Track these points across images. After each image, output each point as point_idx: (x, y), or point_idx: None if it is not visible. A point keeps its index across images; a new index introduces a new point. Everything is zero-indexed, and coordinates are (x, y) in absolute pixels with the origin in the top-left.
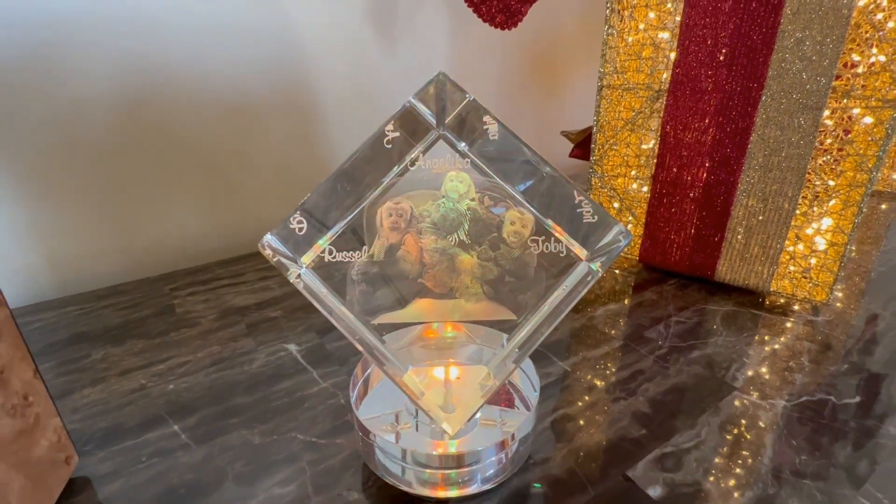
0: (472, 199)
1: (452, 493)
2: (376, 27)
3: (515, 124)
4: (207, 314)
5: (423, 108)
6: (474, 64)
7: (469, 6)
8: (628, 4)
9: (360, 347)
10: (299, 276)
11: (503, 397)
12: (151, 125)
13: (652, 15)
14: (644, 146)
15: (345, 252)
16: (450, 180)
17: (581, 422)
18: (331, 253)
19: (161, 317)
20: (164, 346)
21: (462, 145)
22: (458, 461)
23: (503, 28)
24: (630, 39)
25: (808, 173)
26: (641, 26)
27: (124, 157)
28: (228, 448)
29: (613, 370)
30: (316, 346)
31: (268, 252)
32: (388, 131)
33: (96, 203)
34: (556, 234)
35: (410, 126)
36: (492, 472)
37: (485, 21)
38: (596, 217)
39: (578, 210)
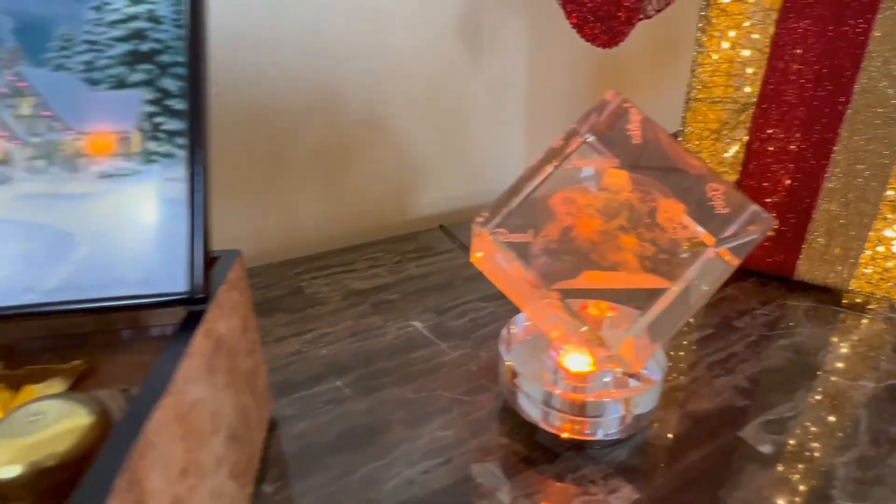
0: (629, 191)
1: (585, 435)
2: (464, 39)
3: None
4: (333, 295)
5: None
6: (548, 75)
7: (573, 26)
8: (718, 25)
9: (543, 307)
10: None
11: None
12: (279, 131)
13: (735, 34)
14: (726, 154)
15: (518, 234)
16: (609, 176)
17: (688, 392)
18: (503, 234)
19: (294, 296)
20: (305, 319)
21: (613, 148)
22: (592, 409)
23: (605, 47)
24: (716, 57)
25: (891, 179)
26: (726, 45)
27: (257, 160)
28: (387, 400)
29: (710, 352)
30: (437, 323)
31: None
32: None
33: (236, 200)
34: (692, 222)
35: (572, 133)
36: (618, 426)
37: (587, 40)
38: (728, 208)
39: (711, 202)
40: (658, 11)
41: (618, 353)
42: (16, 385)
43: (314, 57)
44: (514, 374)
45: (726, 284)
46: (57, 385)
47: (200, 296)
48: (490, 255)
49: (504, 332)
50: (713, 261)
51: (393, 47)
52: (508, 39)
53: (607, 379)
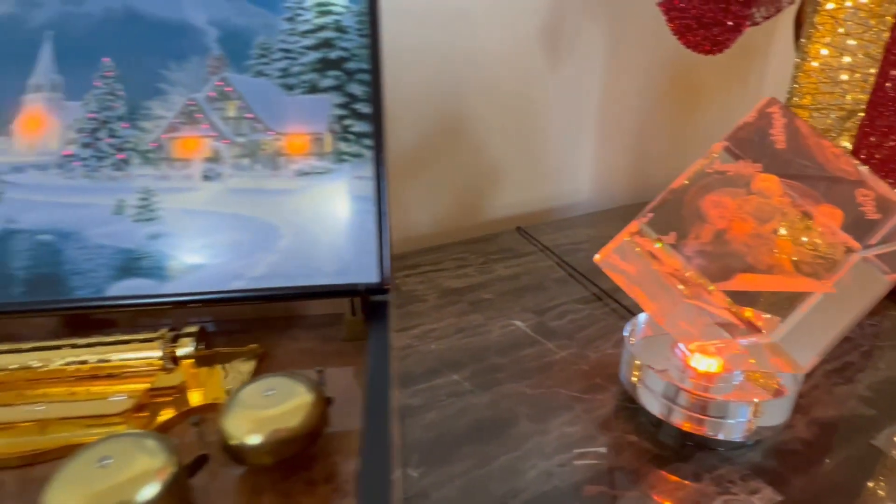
0: (781, 196)
1: (714, 436)
2: (544, 45)
3: (656, 135)
4: (429, 293)
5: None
6: (622, 81)
7: (673, 33)
8: (824, 32)
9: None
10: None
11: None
12: None
13: (839, 41)
14: None
15: (664, 236)
16: (760, 181)
17: (811, 399)
18: (643, 235)
19: (394, 292)
20: (409, 315)
21: (754, 153)
22: (722, 410)
23: (707, 54)
24: (817, 64)
25: None
26: (825, 51)
27: None
28: (507, 395)
29: (824, 361)
30: (538, 323)
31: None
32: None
33: None
34: (838, 229)
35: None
36: (747, 429)
37: (688, 47)
38: (879, 213)
39: (861, 207)
40: (766, 18)
41: (791, 356)
42: (208, 364)
43: (403, 61)
44: (641, 371)
45: None
46: (243, 365)
47: (387, 287)
48: (632, 255)
49: (627, 330)
50: (862, 267)
51: (477, 53)
52: (585, 46)
53: (737, 381)
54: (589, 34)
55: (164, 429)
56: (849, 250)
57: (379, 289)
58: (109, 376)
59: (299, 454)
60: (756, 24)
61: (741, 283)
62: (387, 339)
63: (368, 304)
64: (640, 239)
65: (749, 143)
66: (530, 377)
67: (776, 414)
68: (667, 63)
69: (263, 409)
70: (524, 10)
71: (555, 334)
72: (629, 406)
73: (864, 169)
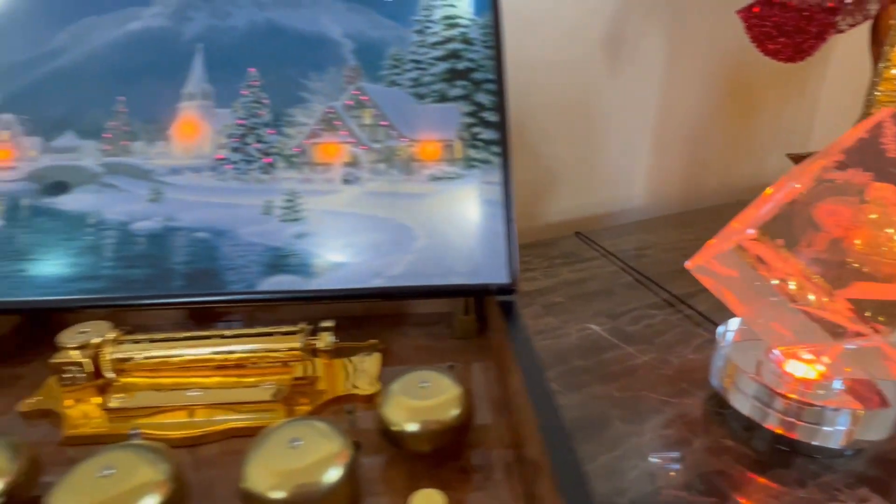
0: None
1: (814, 443)
2: (605, 52)
3: (712, 143)
4: None
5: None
6: (680, 88)
7: (752, 41)
8: None
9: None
10: None
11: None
12: None
13: None
14: None
15: (775, 243)
16: (875, 189)
17: None
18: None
19: None
20: None
21: (866, 162)
22: (822, 417)
23: (788, 62)
24: None
25: None
26: None
27: None
28: (596, 397)
29: None
30: (614, 327)
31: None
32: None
33: None
34: None
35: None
36: (846, 438)
37: (767, 55)
38: None
39: None
40: (852, 26)
41: None
42: (336, 356)
43: None
44: (734, 375)
45: None
46: (368, 359)
47: (515, 287)
48: (735, 260)
49: (720, 335)
50: None
51: (539, 60)
52: (644, 53)
53: (836, 388)
54: (649, 42)
55: (309, 416)
56: None
57: (509, 289)
58: (245, 366)
59: (453, 443)
60: (841, 31)
61: (859, 291)
62: (527, 334)
63: (481, 303)
64: (753, 244)
65: (860, 151)
66: (616, 380)
67: (880, 424)
68: (724, 70)
69: (421, 399)
70: (587, 18)
71: (633, 339)
72: (720, 411)
73: None
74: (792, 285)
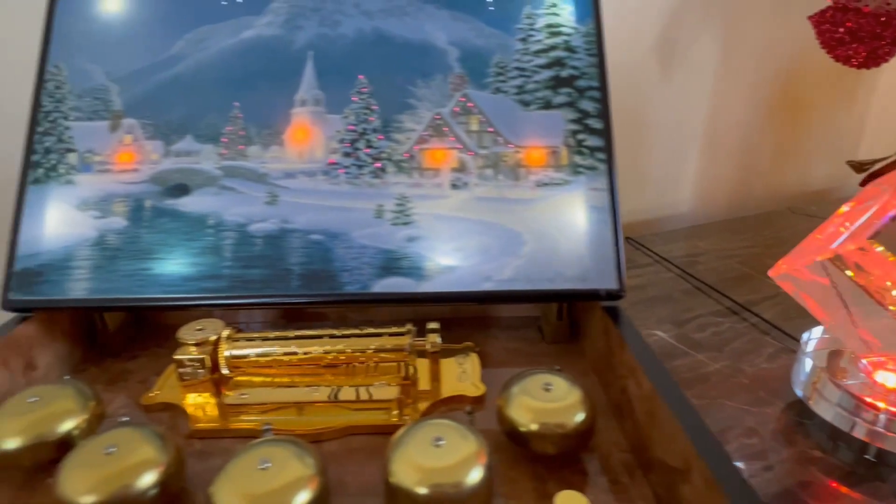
0: None
1: None
2: (658, 57)
3: (761, 149)
4: None
5: None
6: (730, 96)
7: (822, 46)
8: None
9: None
10: None
11: None
12: None
13: None
14: None
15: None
16: None
17: None
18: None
19: None
20: None
21: None
22: None
23: (860, 68)
24: None
25: None
26: None
27: None
28: None
29: None
30: (680, 334)
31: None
32: None
33: None
34: None
35: None
36: None
37: (838, 61)
38: None
39: None
40: None
41: None
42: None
43: None
44: (820, 384)
45: None
46: (467, 360)
47: (623, 293)
48: (832, 268)
49: (803, 342)
50: None
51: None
52: (696, 59)
53: None
54: (700, 49)
55: (423, 416)
56: None
57: (617, 294)
58: (354, 365)
59: (578, 447)
60: None
61: None
62: (642, 338)
63: (570, 308)
64: (855, 253)
65: None
66: (691, 387)
67: None
68: (775, 77)
69: (538, 400)
70: (640, 24)
71: (702, 346)
72: (802, 421)
73: None
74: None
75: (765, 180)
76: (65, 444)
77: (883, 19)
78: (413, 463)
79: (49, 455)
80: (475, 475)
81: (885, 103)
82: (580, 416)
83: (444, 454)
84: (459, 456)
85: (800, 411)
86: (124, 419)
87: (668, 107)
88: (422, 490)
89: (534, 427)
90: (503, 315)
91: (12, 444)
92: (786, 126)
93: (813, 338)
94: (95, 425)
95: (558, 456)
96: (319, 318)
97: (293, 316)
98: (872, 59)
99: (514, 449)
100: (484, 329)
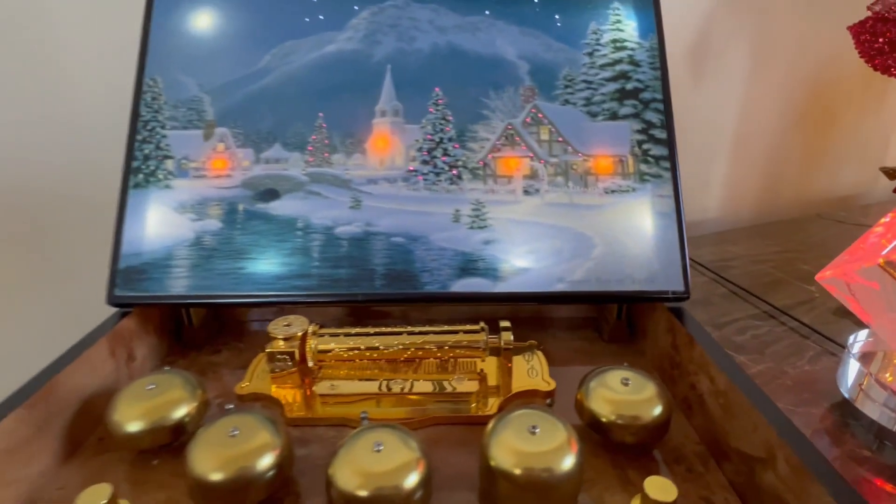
0: None
1: None
2: (691, 64)
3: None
4: None
5: None
6: (761, 101)
7: (862, 57)
8: None
9: None
10: None
11: None
12: None
13: None
14: None
15: None
16: None
17: None
18: None
19: None
20: None
21: None
22: None
23: None
24: None
25: None
26: None
27: None
28: None
29: None
30: (721, 336)
31: None
32: None
33: None
34: None
35: None
36: None
37: (877, 70)
38: None
39: None
40: None
41: None
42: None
43: None
44: (868, 384)
45: None
46: (533, 358)
47: (688, 294)
48: (881, 272)
49: (849, 345)
50: None
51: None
52: (727, 67)
53: None
54: (731, 56)
55: (499, 409)
56: None
57: (682, 296)
58: (430, 360)
59: (656, 438)
60: None
61: None
62: (711, 336)
63: (630, 309)
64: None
65: None
66: None
67: None
68: (804, 85)
69: (617, 394)
70: (671, 32)
71: (744, 349)
72: (849, 421)
73: None
74: None
75: (792, 186)
76: (178, 429)
77: None
78: (509, 448)
79: (165, 439)
80: (569, 461)
81: None
82: (658, 409)
83: (539, 441)
84: (555, 443)
85: (845, 412)
86: (229, 406)
87: (697, 114)
88: (518, 472)
89: (614, 418)
90: (561, 315)
91: (135, 427)
92: (814, 133)
93: (858, 340)
94: (203, 412)
95: (635, 446)
96: (383, 317)
97: (359, 314)
98: None
99: (593, 439)
100: (542, 329)
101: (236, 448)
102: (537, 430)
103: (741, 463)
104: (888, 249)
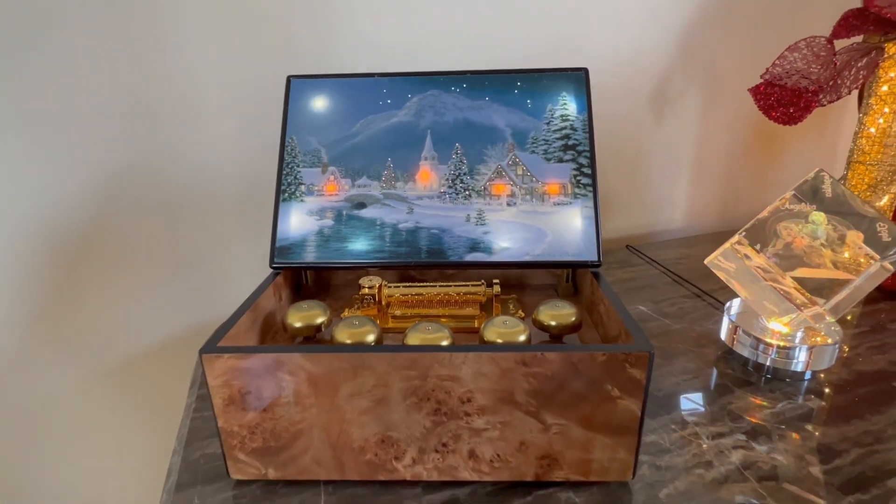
0: (827, 224)
1: (786, 368)
2: (654, 107)
3: (741, 177)
4: None
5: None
6: (712, 136)
7: (760, 109)
8: (878, 108)
9: (780, 289)
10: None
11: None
12: None
13: (889, 112)
14: (880, 203)
15: (753, 244)
16: (814, 212)
17: (852, 358)
18: (741, 244)
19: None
20: None
21: (813, 200)
22: (790, 353)
23: (786, 125)
24: (873, 130)
25: None
26: (882, 121)
27: None
28: None
29: (867, 341)
30: (656, 308)
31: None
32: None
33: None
34: (865, 245)
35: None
36: (805, 367)
37: (772, 121)
38: (890, 237)
39: (878, 234)
40: (830, 102)
41: (824, 312)
42: (497, 299)
43: None
44: (736, 333)
45: (881, 299)
46: (511, 303)
47: (600, 263)
48: (732, 257)
49: (726, 308)
50: (878, 270)
51: (599, 111)
52: (685, 104)
53: (799, 336)
54: (689, 96)
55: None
56: (871, 258)
57: (596, 264)
58: (452, 300)
59: (574, 331)
60: (822, 105)
61: (802, 273)
62: (610, 285)
63: (575, 276)
64: (739, 246)
65: (808, 192)
66: (656, 338)
67: (826, 357)
68: (752, 118)
69: (557, 310)
70: (637, 79)
71: (668, 315)
72: (726, 356)
73: (879, 212)
74: (766, 272)
75: (744, 203)
76: (318, 328)
77: (797, 93)
78: (495, 331)
79: (311, 333)
80: (523, 337)
81: (849, 138)
82: (576, 317)
83: (510, 327)
84: (518, 328)
85: (725, 350)
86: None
87: (661, 144)
88: (500, 342)
89: (552, 324)
90: (533, 283)
91: (299, 323)
92: (763, 158)
93: (733, 305)
94: (329, 321)
95: (558, 336)
96: (424, 277)
97: (410, 276)
98: (791, 120)
99: (541, 336)
100: (521, 289)
101: (360, 329)
102: (507, 323)
103: (607, 342)
104: (737, 237)
